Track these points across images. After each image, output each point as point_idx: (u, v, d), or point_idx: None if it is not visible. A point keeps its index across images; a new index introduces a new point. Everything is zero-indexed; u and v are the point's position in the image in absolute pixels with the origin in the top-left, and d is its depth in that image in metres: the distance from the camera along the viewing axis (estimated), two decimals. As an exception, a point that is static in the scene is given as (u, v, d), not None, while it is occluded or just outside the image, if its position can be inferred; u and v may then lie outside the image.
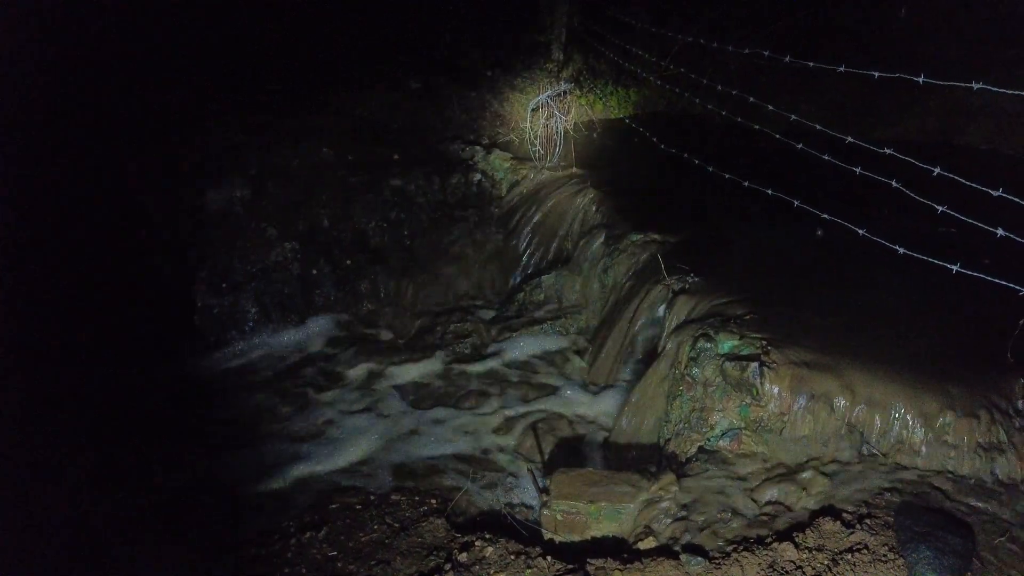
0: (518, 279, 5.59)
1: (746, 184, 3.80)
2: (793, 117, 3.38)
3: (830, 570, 2.41)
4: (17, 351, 4.05)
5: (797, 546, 2.53)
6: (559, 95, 6.34)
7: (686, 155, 4.65)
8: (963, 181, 2.30)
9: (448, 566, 2.79)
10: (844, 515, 2.64)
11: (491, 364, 4.77)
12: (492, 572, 2.71)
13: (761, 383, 3.10)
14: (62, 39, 5.33)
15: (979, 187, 2.23)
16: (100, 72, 5.59)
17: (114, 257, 4.94)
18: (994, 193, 2.22)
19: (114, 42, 5.80)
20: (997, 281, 2.27)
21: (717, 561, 2.56)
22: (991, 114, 6.62)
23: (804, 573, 2.42)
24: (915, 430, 2.88)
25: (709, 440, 3.22)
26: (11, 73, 4.68)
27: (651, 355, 3.82)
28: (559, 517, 2.99)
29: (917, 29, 7.12)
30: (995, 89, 2.21)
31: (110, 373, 4.41)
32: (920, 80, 2.49)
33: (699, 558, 2.59)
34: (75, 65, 5.40)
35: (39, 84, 5.04)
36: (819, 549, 2.51)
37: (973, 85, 2.21)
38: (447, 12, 8.07)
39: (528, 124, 6.26)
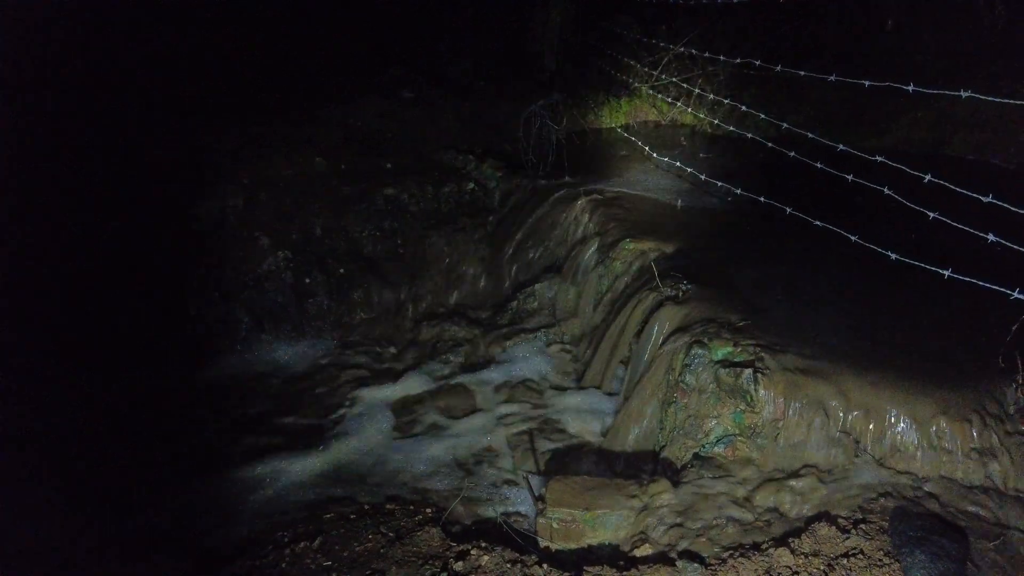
0: (511, 288, 5.59)
1: (739, 192, 3.84)
2: (785, 125, 3.43)
3: (826, 575, 2.42)
4: (12, 355, 4.02)
5: (793, 552, 2.54)
6: (551, 104, 6.38)
7: (678, 164, 4.69)
8: (954, 188, 2.33)
9: (444, 575, 2.77)
10: (839, 520, 2.65)
11: (485, 372, 4.76)
12: (488, 581, 2.70)
13: (755, 389, 3.12)
14: (60, 43, 5.33)
15: (970, 194, 2.27)
16: (95, 78, 5.59)
17: (108, 264, 4.91)
18: (984, 199, 2.26)
19: (111, 49, 5.79)
20: (988, 286, 2.30)
21: (713, 568, 2.56)
22: (977, 124, 6.72)
23: (801, 578, 2.43)
24: (909, 435, 2.89)
25: (704, 447, 3.23)
26: (9, 76, 4.67)
27: (645, 362, 3.82)
28: (555, 525, 2.98)
29: (903, 42, 7.23)
30: (983, 97, 2.24)
31: (103, 380, 4.37)
32: (910, 89, 2.53)
33: (695, 564, 2.58)
34: (71, 71, 5.39)
35: (35, 88, 5.03)
36: (815, 554, 2.51)
37: (961, 93, 2.25)
38: (440, 22, 8.13)
39: (521, 133, 6.29)
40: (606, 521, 2.95)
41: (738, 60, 4.06)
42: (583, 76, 7.79)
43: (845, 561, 2.46)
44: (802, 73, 3.26)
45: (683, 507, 2.93)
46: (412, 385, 4.73)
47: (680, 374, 3.44)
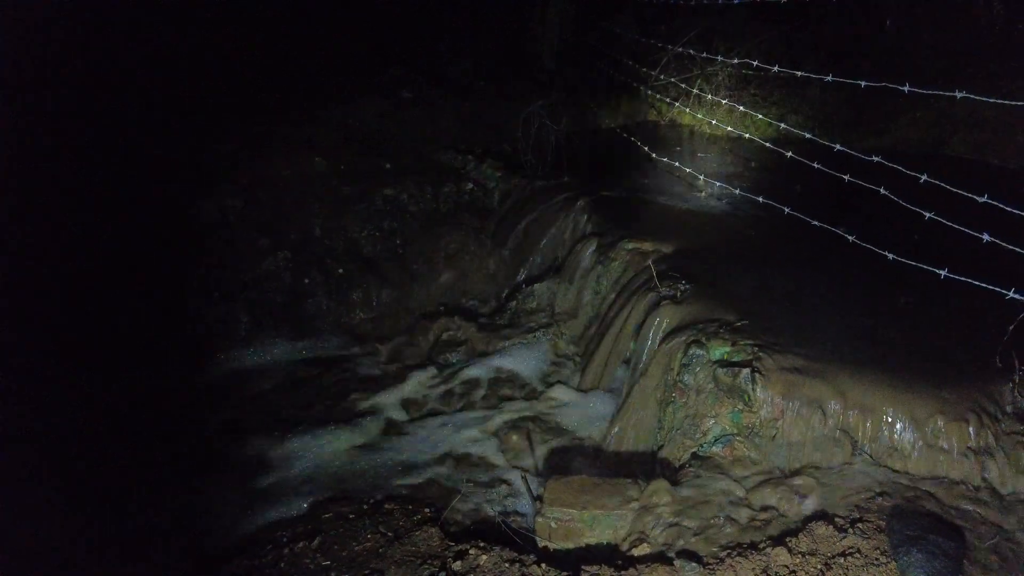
0: (510, 287, 5.60)
1: (737, 192, 3.85)
2: (783, 126, 3.43)
3: (823, 574, 2.43)
4: (12, 355, 4.03)
5: (790, 551, 2.54)
6: (551, 105, 6.39)
7: (677, 164, 4.70)
8: (950, 188, 2.34)
9: (443, 574, 2.78)
10: (836, 520, 2.65)
11: (484, 372, 4.77)
12: (486, 580, 2.71)
13: (753, 389, 3.12)
14: (60, 43, 5.33)
15: (965, 193, 2.28)
16: (95, 78, 5.59)
17: (109, 264, 4.91)
18: (980, 200, 2.27)
19: (111, 49, 5.80)
20: (984, 286, 2.30)
21: (711, 567, 2.57)
22: (975, 124, 6.73)
23: (798, 578, 2.43)
24: (906, 435, 2.90)
25: (702, 446, 3.23)
26: (9, 76, 4.68)
27: (643, 362, 3.83)
28: (553, 524, 2.98)
29: (901, 42, 7.23)
30: (978, 98, 2.25)
31: (103, 380, 4.37)
32: (905, 89, 2.54)
33: (693, 564, 2.59)
34: (71, 71, 5.40)
35: (35, 88, 5.04)
36: (812, 553, 2.52)
37: (956, 94, 2.26)
38: (440, 22, 8.14)
39: (520, 133, 6.30)
40: (604, 520, 2.96)
41: (736, 60, 4.07)
42: (582, 76, 7.80)
43: (842, 560, 2.46)
44: (799, 74, 3.27)
45: (681, 507, 2.93)
46: (411, 385, 4.74)
47: (678, 374, 3.45)
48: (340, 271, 5.62)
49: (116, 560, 3.22)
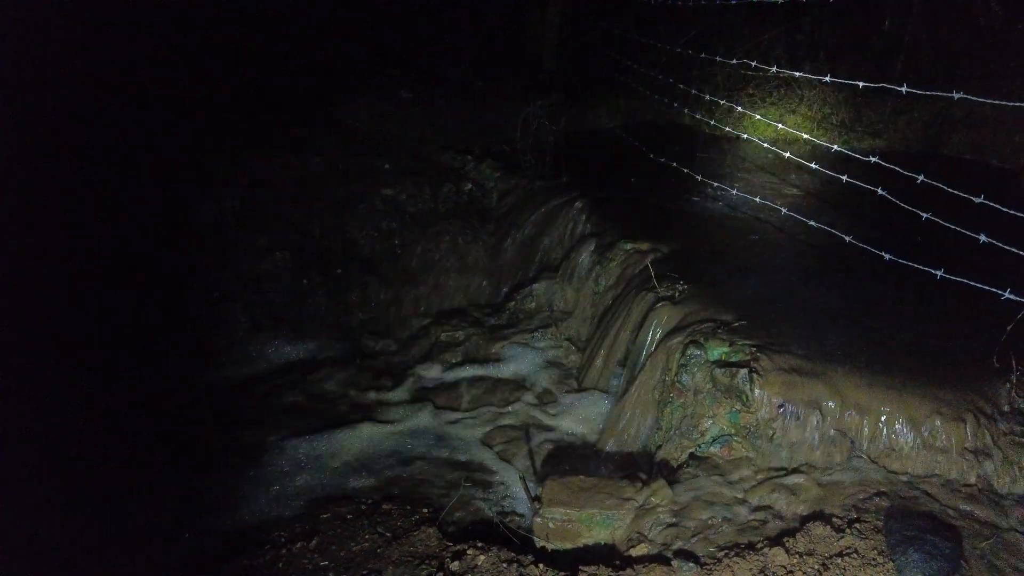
0: (509, 288, 5.60)
1: (735, 193, 3.85)
2: (781, 126, 3.43)
3: (820, 574, 2.43)
4: (12, 355, 4.04)
5: (788, 551, 2.55)
6: (550, 105, 6.39)
7: (675, 164, 4.70)
8: (947, 188, 2.35)
9: (440, 575, 2.78)
10: (834, 520, 2.65)
11: (482, 372, 4.77)
12: (484, 580, 2.71)
13: (751, 389, 3.13)
14: (60, 43, 5.34)
15: (962, 194, 2.28)
16: (95, 78, 5.60)
17: (109, 264, 4.92)
18: (976, 200, 2.27)
19: (111, 49, 5.80)
20: (980, 286, 2.31)
21: (709, 567, 2.57)
22: (974, 124, 6.73)
23: (795, 578, 2.44)
24: (903, 435, 2.90)
25: (700, 446, 3.24)
26: (9, 76, 4.69)
27: (641, 362, 3.84)
28: (551, 525, 2.99)
29: (900, 44, 7.24)
30: (976, 98, 2.25)
31: (103, 380, 4.38)
32: (903, 90, 2.54)
33: (691, 564, 2.60)
34: (71, 71, 5.41)
35: (35, 88, 5.05)
36: (809, 554, 2.52)
37: (955, 94, 2.26)
38: (440, 22, 8.15)
39: (519, 134, 6.30)
40: (602, 521, 2.96)
41: (735, 60, 4.07)
42: (582, 76, 7.81)
43: (839, 560, 2.47)
44: (798, 74, 3.28)
45: (679, 507, 2.94)
46: (409, 385, 4.75)
47: (676, 374, 3.45)
48: (339, 271, 5.64)
49: (116, 560, 3.23)
